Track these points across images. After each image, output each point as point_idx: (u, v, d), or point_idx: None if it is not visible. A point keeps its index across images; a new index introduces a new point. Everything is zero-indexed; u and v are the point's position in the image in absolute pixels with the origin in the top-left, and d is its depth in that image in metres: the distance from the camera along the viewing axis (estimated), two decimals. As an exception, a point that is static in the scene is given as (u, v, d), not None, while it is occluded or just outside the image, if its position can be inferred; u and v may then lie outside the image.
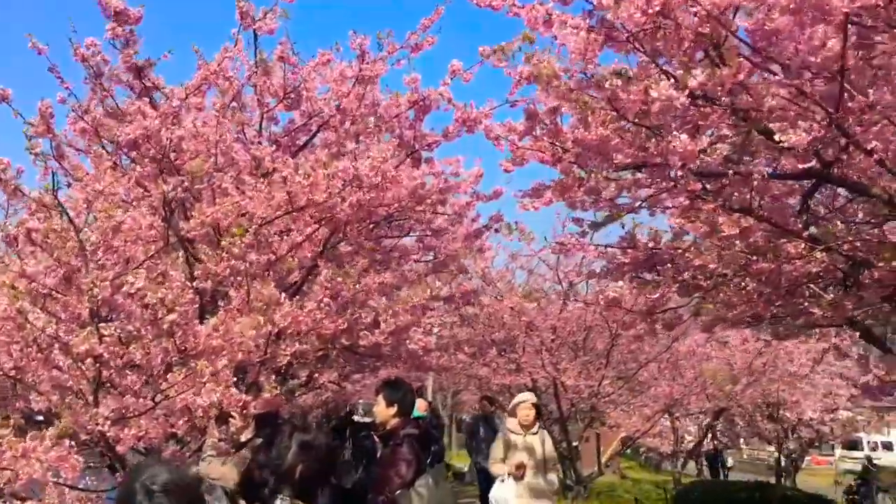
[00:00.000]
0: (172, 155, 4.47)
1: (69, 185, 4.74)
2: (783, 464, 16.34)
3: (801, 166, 3.12)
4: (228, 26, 4.97)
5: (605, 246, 4.53)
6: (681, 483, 14.21)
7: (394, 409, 4.18)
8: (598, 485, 13.36)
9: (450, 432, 22.66)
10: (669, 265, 4.16)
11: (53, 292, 3.44)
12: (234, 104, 5.16)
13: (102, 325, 3.27)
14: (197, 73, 4.94)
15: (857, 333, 4.43)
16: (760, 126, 3.07)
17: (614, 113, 3.11)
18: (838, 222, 3.51)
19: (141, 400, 3.37)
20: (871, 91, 2.90)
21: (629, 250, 4.26)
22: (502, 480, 5.90)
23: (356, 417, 6.95)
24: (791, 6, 2.80)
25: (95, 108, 5.03)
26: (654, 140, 3.13)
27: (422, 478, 4.10)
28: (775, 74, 3.04)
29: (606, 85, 2.99)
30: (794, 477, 16.45)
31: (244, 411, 3.52)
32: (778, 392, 12.59)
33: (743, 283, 3.97)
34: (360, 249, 5.18)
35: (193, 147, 4.49)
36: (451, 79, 4.93)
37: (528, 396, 6.48)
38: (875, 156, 2.97)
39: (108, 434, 3.28)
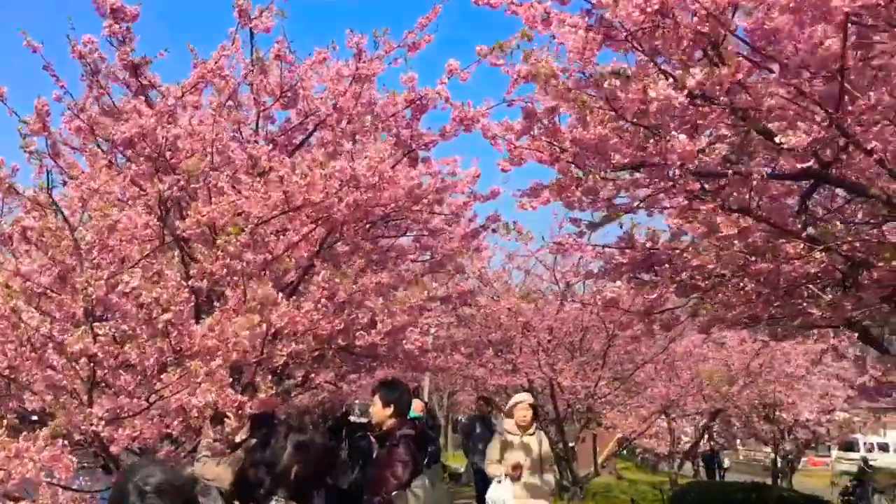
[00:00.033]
0: (168, 153, 4.45)
1: (64, 184, 4.73)
2: (779, 465, 16.37)
3: (799, 166, 3.12)
4: (224, 25, 4.96)
5: (603, 246, 4.53)
6: (677, 484, 14.23)
7: (390, 410, 4.16)
8: (594, 485, 13.37)
9: (446, 433, 22.62)
10: (667, 265, 4.15)
11: (48, 291, 3.42)
12: (230, 103, 5.14)
13: (97, 324, 3.26)
14: (193, 72, 4.93)
15: (856, 334, 4.42)
16: (759, 126, 3.06)
17: (612, 112, 3.11)
18: (837, 222, 3.50)
19: (135, 400, 3.36)
20: (871, 91, 2.89)
21: (627, 250, 4.26)
22: (499, 481, 5.88)
23: (352, 418, 6.91)
24: (791, 5, 2.79)
25: (91, 106, 5.02)
26: (652, 140, 3.12)
27: (418, 478, 4.07)
28: (774, 73, 3.03)
29: (605, 84, 2.99)
30: (791, 478, 16.46)
31: (240, 412, 3.50)
32: (774, 393, 12.62)
33: (741, 284, 3.97)
34: (356, 249, 5.16)
35: (189, 146, 4.46)
36: (449, 78, 4.91)
37: (525, 397, 6.46)
38: (875, 156, 2.96)
39: (102, 434, 3.26)
